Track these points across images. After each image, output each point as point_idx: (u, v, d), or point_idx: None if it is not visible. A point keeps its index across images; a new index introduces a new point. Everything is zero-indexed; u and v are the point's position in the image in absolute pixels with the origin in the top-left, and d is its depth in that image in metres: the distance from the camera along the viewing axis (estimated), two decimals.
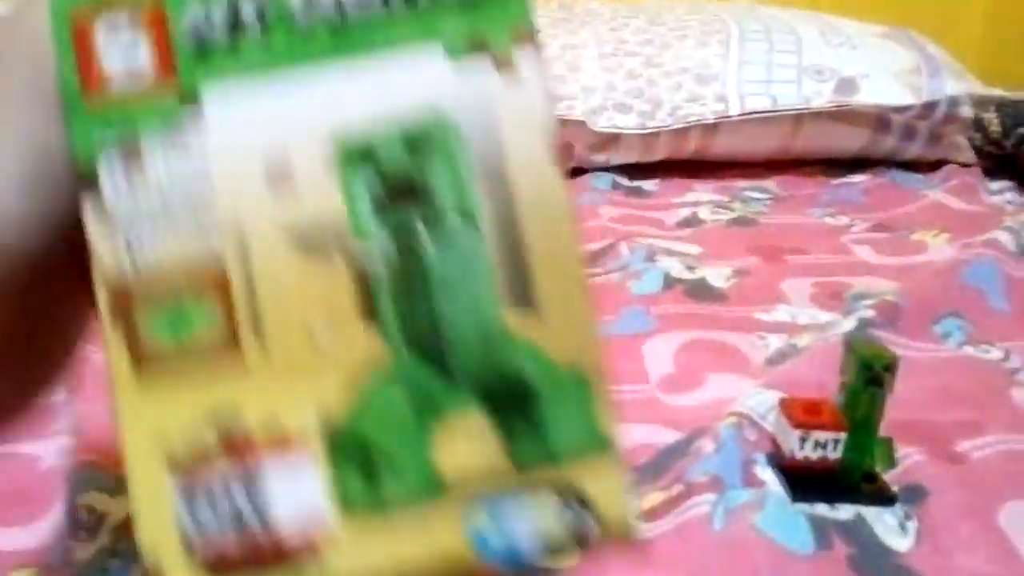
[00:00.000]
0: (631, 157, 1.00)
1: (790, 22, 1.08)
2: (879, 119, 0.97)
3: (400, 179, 0.22)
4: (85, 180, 0.22)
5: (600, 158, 0.99)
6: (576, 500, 0.22)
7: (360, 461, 0.22)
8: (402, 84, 0.22)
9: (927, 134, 0.98)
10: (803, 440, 0.41)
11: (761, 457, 0.43)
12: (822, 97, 0.96)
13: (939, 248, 0.74)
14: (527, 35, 0.23)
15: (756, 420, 0.45)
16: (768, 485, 0.41)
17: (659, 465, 0.44)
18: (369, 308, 0.22)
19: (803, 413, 0.41)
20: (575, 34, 1.09)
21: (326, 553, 0.21)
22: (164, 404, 0.22)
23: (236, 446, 0.22)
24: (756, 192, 0.93)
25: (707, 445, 0.44)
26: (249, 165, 0.22)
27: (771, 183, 0.96)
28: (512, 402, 0.22)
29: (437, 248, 0.22)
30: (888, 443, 0.41)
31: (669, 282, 0.67)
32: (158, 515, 0.21)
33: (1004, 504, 0.40)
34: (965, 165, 0.99)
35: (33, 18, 0.23)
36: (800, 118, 0.97)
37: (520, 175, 0.22)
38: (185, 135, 0.22)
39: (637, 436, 0.46)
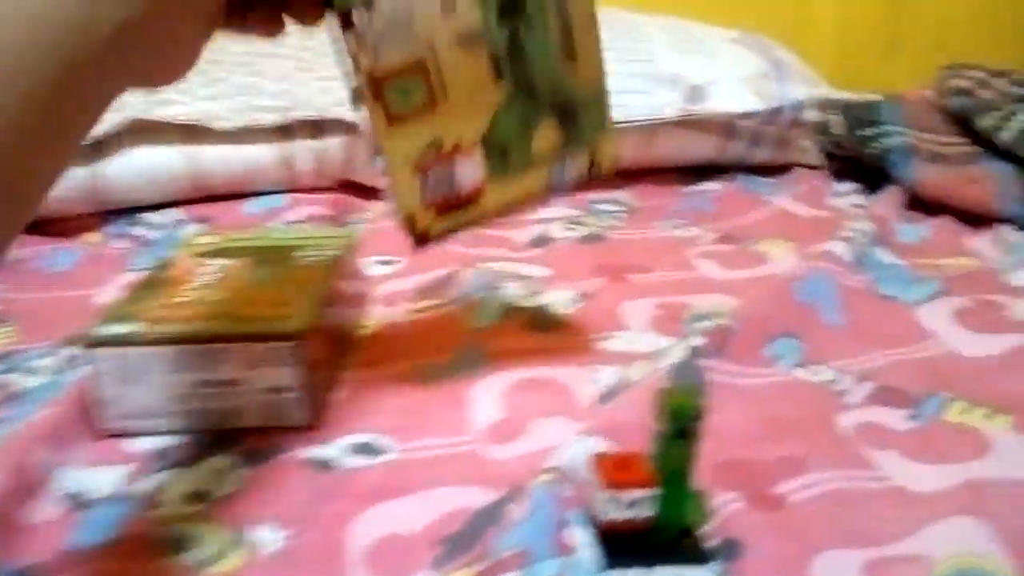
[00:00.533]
0: None
1: (642, 27, 1.07)
2: (727, 126, 0.96)
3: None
4: (342, 16, 0.41)
5: None
6: (590, 155, 0.48)
7: (497, 150, 0.46)
8: None
9: (774, 139, 0.98)
10: (613, 501, 0.38)
11: (577, 516, 0.40)
12: (673, 107, 0.95)
13: (780, 259, 0.73)
14: None
15: (572, 474, 0.43)
16: (581, 551, 0.38)
17: (468, 536, 0.40)
18: (497, 72, 0.44)
19: (613, 471, 0.39)
20: None
21: (482, 198, 0.48)
22: (404, 139, 0.45)
23: (442, 156, 0.45)
24: (609, 205, 0.91)
25: (517, 510, 0.40)
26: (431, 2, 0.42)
27: (625, 194, 0.94)
28: (566, 113, 0.47)
29: (528, 36, 0.44)
30: (700, 496, 0.39)
31: (508, 312, 0.64)
32: (409, 192, 0.46)
33: (820, 554, 0.38)
34: (813, 167, 1.00)
35: None
36: (653, 127, 0.96)
37: None
38: None
39: (448, 500, 0.43)
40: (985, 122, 0.87)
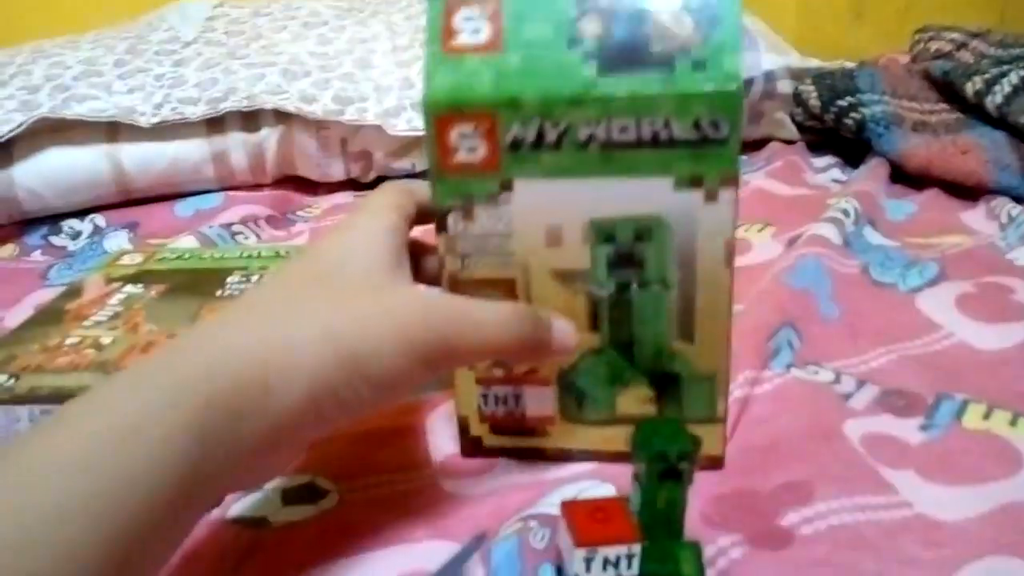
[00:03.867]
0: None
1: None
2: None
3: (627, 253, 0.36)
4: (438, 218, 0.37)
5: (403, 164, 0.88)
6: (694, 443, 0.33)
7: (574, 393, 0.40)
8: (641, 196, 0.35)
9: (747, 113, 0.92)
10: (588, 561, 0.31)
11: (550, 571, 0.34)
12: None
13: (764, 245, 0.67)
14: (731, 178, 0.35)
15: (550, 518, 0.36)
16: None
17: None
18: (593, 322, 0.38)
19: (588, 522, 0.32)
20: (365, 25, 0.97)
21: (550, 432, 0.41)
22: None
23: (511, 377, 0.40)
24: None
25: (476, 572, 0.34)
26: (537, 229, 0.37)
27: None
28: (668, 387, 0.39)
29: (640, 298, 0.37)
30: (695, 549, 0.32)
31: None
32: (468, 401, 0.41)
33: None
34: (789, 142, 0.94)
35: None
36: None
37: (702, 265, 0.36)
38: (499, 206, 0.36)
39: (401, 557, 0.36)
40: (972, 87, 0.82)
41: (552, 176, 0.36)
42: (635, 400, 0.39)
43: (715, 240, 0.36)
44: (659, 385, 0.39)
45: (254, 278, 0.49)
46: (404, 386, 0.33)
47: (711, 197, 0.35)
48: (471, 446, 0.42)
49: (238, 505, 0.40)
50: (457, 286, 0.38)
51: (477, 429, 0.42)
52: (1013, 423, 0.42)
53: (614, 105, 0.34)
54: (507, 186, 0.36)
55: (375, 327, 0.31)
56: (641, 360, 0.39)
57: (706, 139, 0.34)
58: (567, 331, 0.37)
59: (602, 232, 0.36)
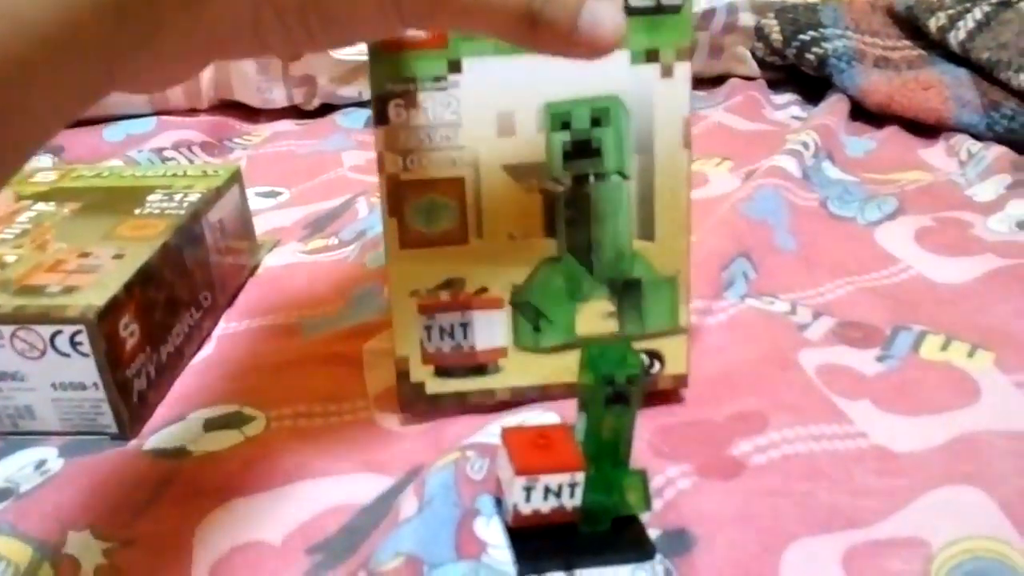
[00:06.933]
0: None
1: None
2: None
3: (584, 140, 0.34)
4: (377, 105, 0.33)
5: (349, 91, 0.84)
6: (654, 357, 0.36)
7: (530, 317, 0.36)
8: (596, 75, 0.33)
9: (707, 47, 0.89)
10: (528, 490, 0.29)
11: (489, 502, 0.32)
12: None
13: (721, 179, 0.65)
14: (686, 51, 0.33)
15: (490, 447, 0.34)
16: (488, 552, 0.30)
17: (346, 541, 0.31)
18: (549, 223, 0.35)
19: (529, 449, 0.30)
20: None
21: (502, 368, 0.37)
22: (416, 268, 0.35)
23: (459, 302, 0.35)
24: None
25: (408, 504, 0.31)
26: (487, 117, 0.33)
27: None
28: (627, 295, 0.36)
29: (598, 192, 0.34)
30: (641, 477, 0.31)
31: None
32: (409, 336, 0.36)
33: (789, 543, 0.30)
34: (749, 78, 0.91)
35: None
36: None
37: (661, 148, 0.34)
38: (447, 90, 0.33)
39: (326, 492, 0.34)
40: (935, 22, 0.80)
41: (503, 53, 0.33)
42: (595, 316, 0.36)
43: (673, 120, 0.34)
44: (619, 295, 0.36)
45: (177, 196, 0.46)
46: (361, 26, 0.26)
47: (667, 72, 0.34)
48: (412, 394, 0.37)
49: (155, 437, 0.37)
50: (399, 188, 0.34)
51: (419, 373, 0.37)
52: (971, 354, 0.41)
53: None
54: (455, 67, 0.33)
55: None
56: (601, 267, 0.36)
57: (661, 7, 0.33)
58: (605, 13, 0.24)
59: (557, 117, 0.34)
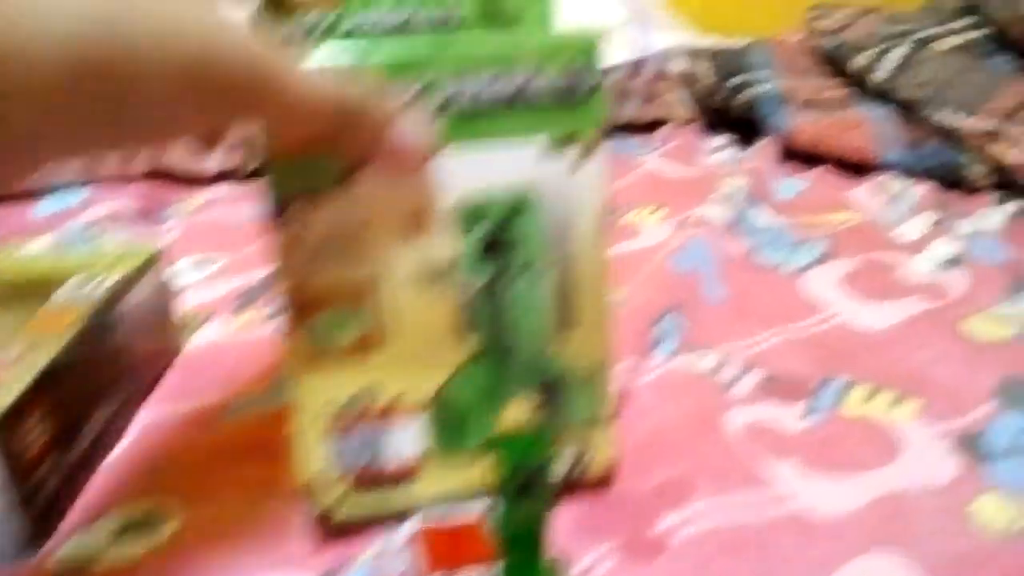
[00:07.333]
0: None
1: None
2: None
3: (498, 236, 0.33)
4: (278, 218, 0.30)
5: None
6: (579, 450, 0.36)
7: (451, 420, 0.34)
8: (507, 167, 0.32)
9: (640, 94, 0.90)
10: None
11: None
12: None
13: (652, 229, 0.65)
14: (600, 134, 0.33)
15: (410, 541, 0.33)
16: None
17: None
18: (466, 324, 0.33)
19: (443, 544, 0.29)
20: None
21: (418, 478, 0.34)
22: (324, 384, 0.33)
23: (370, 414, 0.33)
24: None
25: None
26: (395, 217, 0.31)
27: None
28: (550, 391, 0.35)
29: (515, 288, 0.33)
30: (555, 565, 0.30)
31: None
32: (311, 456, 0.33)
33: None
34: (687, 122, 0.93)
35: None
36: None
37: (578, 236, 0.33)
38: (353, 188, 0.31)
39: None
40: (858, 63, 0.82)
41: None
42: (519, 413, 0.35)
43: (591, 206, 0.33)
44: (542, 392, 0.35)
45: (92, 283, 0.45)
46: (173, 126, 0.24)
47: (582, 157, 0.32)
48: (323, 521, 0.34)
49: (63, 549, 0.35)
50: (302, 301, 0.31)
51: (330, 495, 0.34)
52: (896, 405, 0.41)
53: (472, 61, 0.30)
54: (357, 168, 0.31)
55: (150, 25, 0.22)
56: (521, 364, 0.34)
57: (573, 93, 0.32)
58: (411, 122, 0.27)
59: (470, 214, 0.32)
